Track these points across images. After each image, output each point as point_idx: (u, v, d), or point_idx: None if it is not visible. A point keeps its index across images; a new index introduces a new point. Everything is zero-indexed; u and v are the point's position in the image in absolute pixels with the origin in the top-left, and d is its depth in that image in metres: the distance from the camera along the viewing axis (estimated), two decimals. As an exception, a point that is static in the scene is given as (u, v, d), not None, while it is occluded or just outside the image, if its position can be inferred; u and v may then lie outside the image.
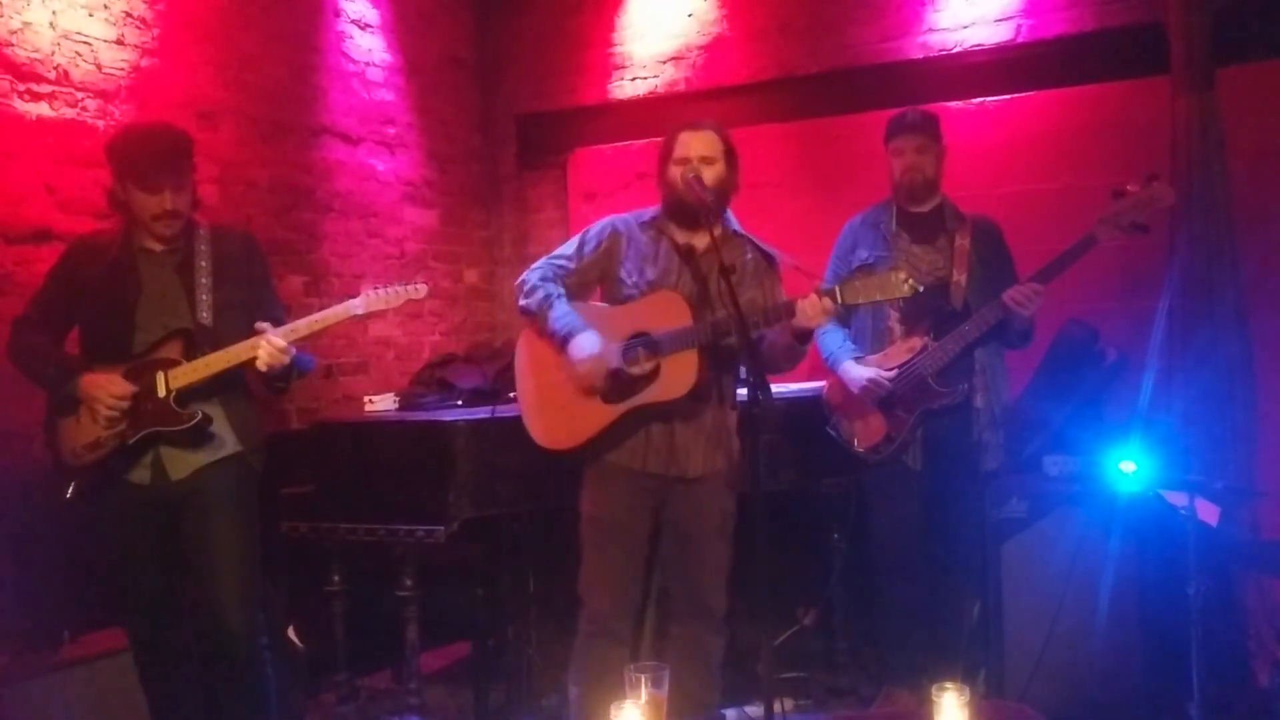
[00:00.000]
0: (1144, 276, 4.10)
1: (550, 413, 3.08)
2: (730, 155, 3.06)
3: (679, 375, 2.94)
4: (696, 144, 3.02)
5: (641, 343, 2.97)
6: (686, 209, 3.02)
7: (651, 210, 3.16)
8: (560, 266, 3.14)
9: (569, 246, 3.19)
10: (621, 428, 3.01)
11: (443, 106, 5.50)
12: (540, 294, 3.07)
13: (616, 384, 2.99)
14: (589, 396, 3.02)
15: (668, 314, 2.98)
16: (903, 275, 2.81)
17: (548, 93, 5.58)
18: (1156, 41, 3.94)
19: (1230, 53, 3.91)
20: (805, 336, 2.94)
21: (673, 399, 2.95)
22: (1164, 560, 3.17)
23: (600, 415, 3.00)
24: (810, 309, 2.82)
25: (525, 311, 3.13)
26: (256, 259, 3.15)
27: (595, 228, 3.18)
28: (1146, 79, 4.20)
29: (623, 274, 3.10)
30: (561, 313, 3.03)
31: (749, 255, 3.12)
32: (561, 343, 3.00)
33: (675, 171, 3.02)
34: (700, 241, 3.06)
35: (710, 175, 2.99)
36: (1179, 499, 3.03)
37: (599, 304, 3.16)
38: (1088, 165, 4.43)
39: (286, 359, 2.90)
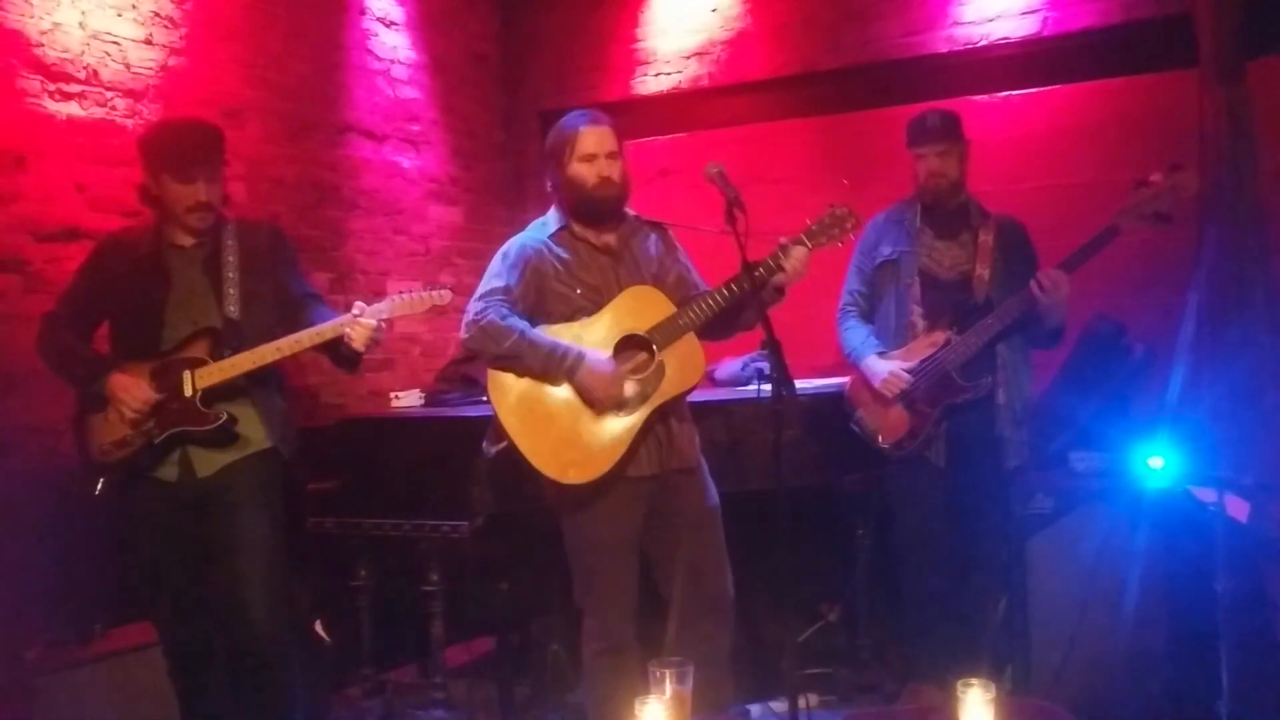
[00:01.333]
0: (1172, 271, 4.06)
1: (566, 449, 2.86)
2: (623, 152, 2.99)
3: (687, 362, 2.90)
4: (601, 140, 2.93)
5: (634, 344, 2.90)
6: (599, 206, 2.94)
7: (553, 221, 3.02)
8: (504, 299, 2.91)
9: (495, 280, 2.94)
10: (640, 434, 2.92)
11: (466, 103, 5.52)
12: (514, 333, 2.84)
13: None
14: (599, 416, 2.87)
15: (646, 308, 2.91)
16: (845, 209, 2.93)
17: (571, 89, 5.58)
18: (1184, 33, 3.90)
19: (1260, 44, 3.86)
20: (781, 293, 2.93)
21: (692, 386, 2.93)
22: (1192, 557, 3.14)
23: (623, 430, 2.87)
24: (797, 263, 2.85)
25: (499, 359, 2.87)
26: (283, 250, 3.17)
27: (511, 255, 2.97)
28: (1174, 72, 4.16)
29: (561, 288, 2.94)
30: (550, 342, 2.85)
31: (652, 235, 3.08)
32: (561, 374, 2.84)
33: (582, 169, 2.91)
34: (611, 237, 3.00)
35: (618, 170, 2.95)
36: (1208, 495, 3.01)
37: (565, 325, 2.95)
38: (1114, 160, 4.38)
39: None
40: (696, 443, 3.08)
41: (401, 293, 3.06)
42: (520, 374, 2.88)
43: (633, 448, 2.89)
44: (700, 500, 3.03)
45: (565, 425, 2.87)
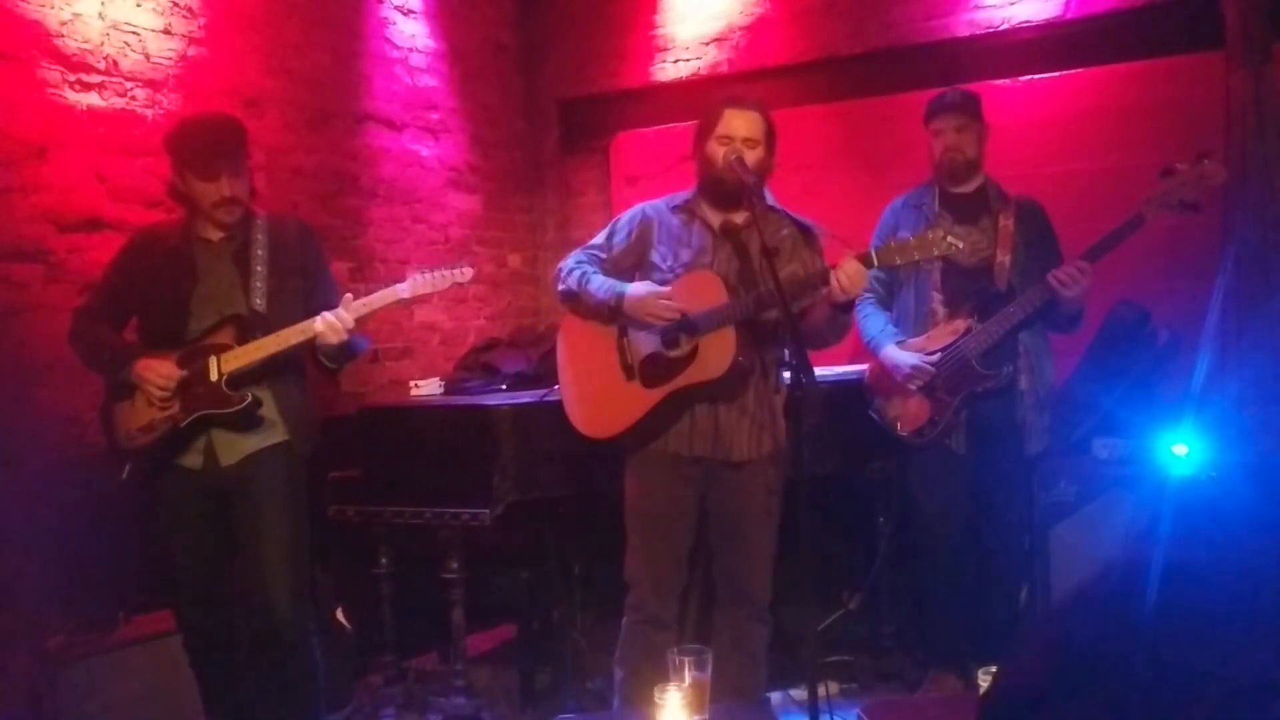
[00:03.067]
0: (1197, 257, 4.02)
1: (591, 402, 3.07)
2: (771, 137, 3.00)
3: (716, 354, 2.90)
4: (741, 124, 2.95)
5: (678, 324, 2.93)
6: (725, 189, 2.97)
7: (684, 194, 3.11)
8: (594, 255, 3.14)
9: (600, 236, 3.19)
10: (665, 413, 2.98)
11: (485, 92, 5.51)
12: (578, 273, 3.07)
13: (654, 367, 2.97)
14: (628, 383, 3.00)
15: (703, 293, 2.93)
16: (941, 232, 2.78)
17: (590, 76, 5.57)
18: (1210, 15, 3.86)
19: (1289, 25, 3.82)
20: (846, 307, 2.87)
21: (712, 379, 2.92)
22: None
23: (641, 401, 2.97)
24: (844, 278, 2.74)
25: (566, 295, 3.12)
26: (310, 246, 3.19)
27: (625, 215, 3.16)
28: (1200, 54, 4.11)
29: (656, 258, 3.05)
30: (602, 281, 3.02)
31: (785, 230, 3.06)
32: (613, 305, 2.97)
33: (716, 149, 2.95)
34: (738, 218, 3.02)
35: (752, 158, 2.93)
36: (1232, 482, 2.98)
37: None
38: (1138, 144, 4.33)
39: (345, 334, 2.92)
40: (761, 439, 3.01)
41: (423, 271, 3.07)
42: (585, 314, 3.10)
43: (648, 420, 2.97)
44: (745, 499, 3.03)
45: (598, 383, 3.06)
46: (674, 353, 2.94)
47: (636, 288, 2.96)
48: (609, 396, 3.03)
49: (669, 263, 3.03)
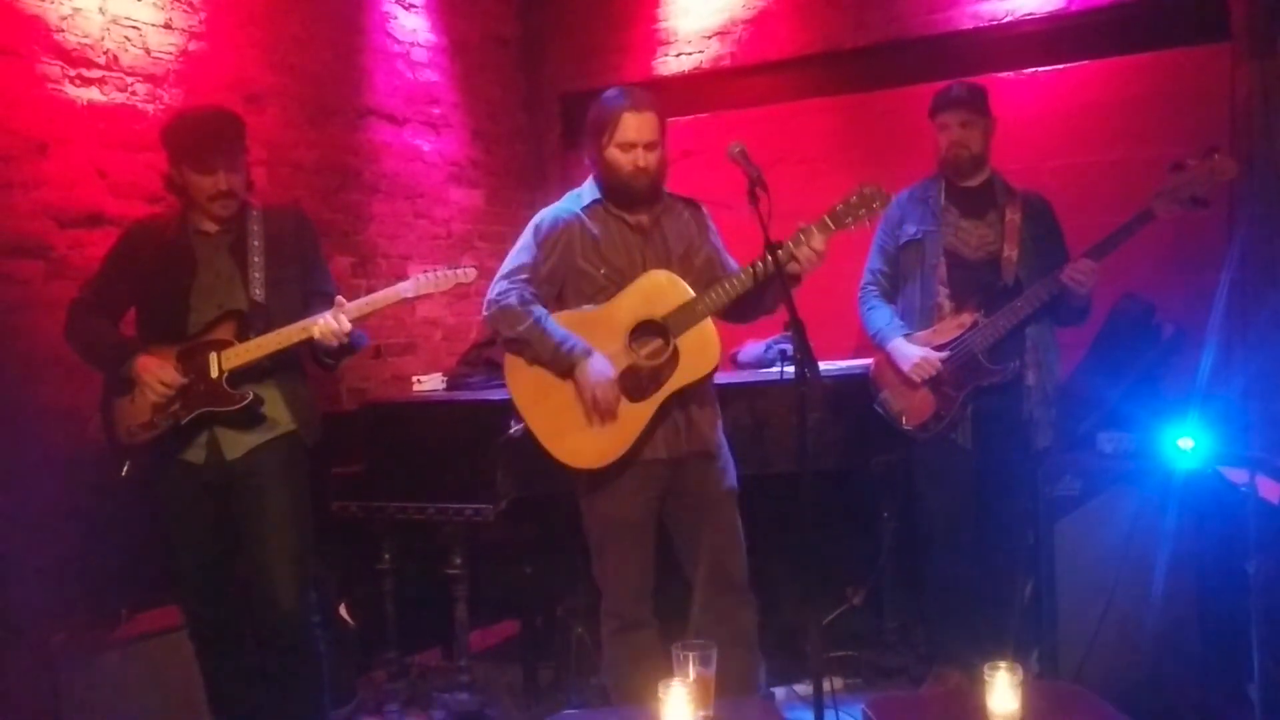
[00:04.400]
0: (1203, 250, 4.01)
1: (577, 433, 2.89)
2: (663, 135, 2.95)
3: (701, 350, 2.87)
4: (641, 128, 2.88)
5: (649, 330, 2.88)
6: (632, 195, 2.93)
7: (588, 194, 3.01)
8: (526, 280, 2.95)
9: (522, 255, 2.98)
10: (654, 421, 2.92)
11: (487, 86, 5.50)
12: (529, 318, 2.88)
13: (637, 380, 2.89)
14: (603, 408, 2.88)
15: (664, 294, 2.89)
16: (875, 187, 2.82)
17: (592, 70, 5.55)
18: (1216, 7, 3.84)
19: (1294, 17, 3.80)
20: (800, 278, 2.86)
21: (704, 374, 2.90)
22: (1223, 538, 3.10)
23: (635, 416, 2.88)
24: (811, 252, 2.78)
25: (513, 342, 2.92)
26: (307, 235, 3.19)
27: (543, 227, 2.99)
28: (1206, 46, 4.10)
29: (585, 265, 2.95)
30: (560, 335, 2.87)
31: (685, 214, 3.06)
32: (567, 368, 2.86)
33: (619, 156, 2.90)
34: (644, 216, 2.99)
35: (655, 159, 2.90)
36: (1239, 476, 2.97)
37: (586, 308, 2.96)
38: (1144, 137, 4.32)
39: (345, 337, 2.92)
40: (718, 426, 3.07)
41: (426, 271, 3.07)
42: (530, 361, 2.92)
43: (644, 436, 2.90)
44: (717, 483, 3.03)
45: (577, 411, 2.89)
46: (653, 361, 2.88)
47: (594, 366, 2.84)
48: (593, 422, 2.88)
49: (602, 270, 2.95)
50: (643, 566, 3.04)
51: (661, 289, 2.90)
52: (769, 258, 2.74)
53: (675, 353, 2.88)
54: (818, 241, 2.80)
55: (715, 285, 2.89)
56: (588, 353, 2.86)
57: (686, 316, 2.87)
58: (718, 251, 3.09)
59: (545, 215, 3.03)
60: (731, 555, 3.04)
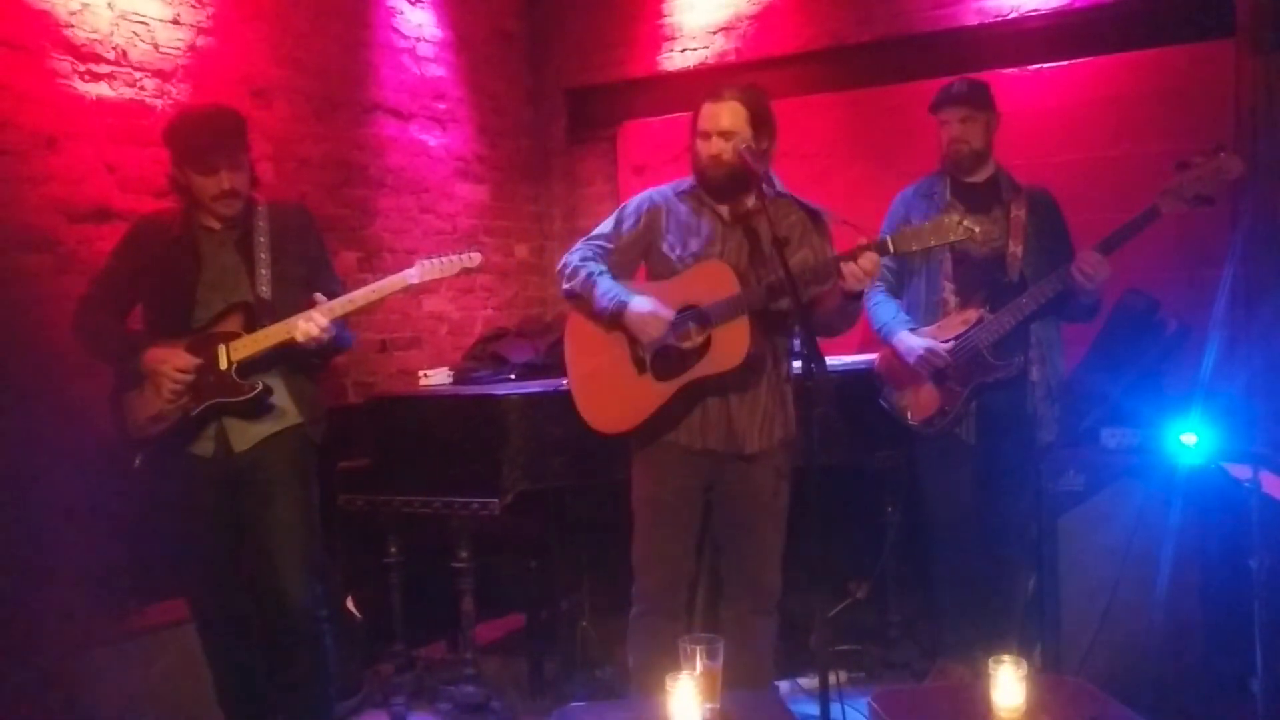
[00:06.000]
0: (1206, 245, 4.01)
1: (602, 396, 3.02)
2: (760, 120, 2.92)
3: (730, 346, 2.87)
4: (716, 116, 2.90)
5: (690, 316, 2.91)
6: (714, 183, 2.95)
7: (688, 180, 3.06)
8: (600, 246, 3.06)
9: (607, 225, 3.10)
10: (676, 406, 2.95)
11: (492, 81, 5.51)
12: (584, 273, 2.99)
13: (667, 361, 2.92)
14: (640, 377, 2.95)
15: (714, 284, 2.90)
16: (956, 217, 2.74)
17: (597, 66, 5.56)
18: (1220, 3, 3.84)
19: (1299, 13, 3.80)
20: (857, 295, 2.85)
21: (726, 370, 2.89)
22: (1226, 533, 3.11)
23: (653, 395, 2.93)
24: (859, 267, 2.72)
25: (570, 294, 3.06)
26: (313, 233, 3.20)
27: (633, 203, 3.10)
28: (1210, 42, 4.09)
29: (665, 248, 3.01)
30: (607, 286, 2.95)
31: (794, 217, 3.02)
32: (614, 314, 2.91)
33: (698, 144, 2.95)
34: (746, 205, 2.99)
35: (729, 149, 2.88)
36: (1242, 472, 2.98)
37: (643, 283, 3.07)
38: (1148, 133, 4.33)
39: (325, 337, 2.94)
40: (771, 431, 3.00)
41: (431, 257, 3.08)
42: (588, 314, 3.03)
43: (661, 414, 2.94)
44: (757, 491, 3.01)
45: (609, 378, 3.00)
46: (686, 345, 2.90)
47: (639, 304, 2.89)
48: (621, 391, 2.98)
49: (678, 252, 2.99)
50: (676, 555, 3.04)
51: (713, 279, 2.91)
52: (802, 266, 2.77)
53: (708, 342, 2.90)
54: (866, 262, 2.74)
55: (760, 285, 2.87)
56: (629, 298, 2.91)
57: (727, 310, 2.87)
58: (817, 257, 2.97)
59: (643, 194, 3.13)
60: (762, 566, 3.04)
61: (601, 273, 2.99)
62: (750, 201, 2.98)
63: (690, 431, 2.98)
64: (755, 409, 2.98)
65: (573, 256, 3.06)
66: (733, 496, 3.03)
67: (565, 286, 3.06)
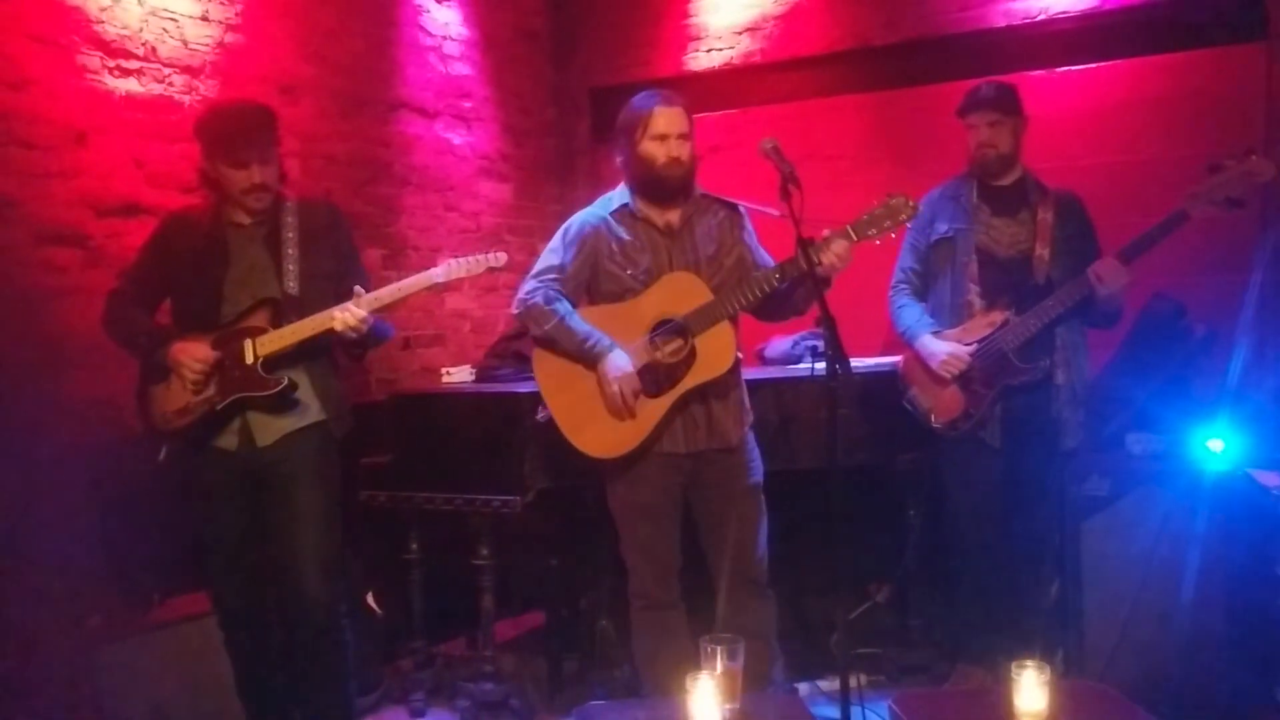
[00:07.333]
0: (1234, 249, 3.97)
1: (596, 424, 3.01)
2: (693, 133, 3.05)
3: (717, 351, 2.95)
4: (678, 120, 2.99)
5: (669, 329, 2.97)
6: (666, 185, 3.01)
7: (617, 198, 3.11)
8: (554, 280, 3.07)
9: (552, 258, 3.11)
10: (668, 416, 3.00)
11: (517, 80, 5.52)
12: (554, 318, 3.01)
13: (654, 376, 2.98)
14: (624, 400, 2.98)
15: (686, 294, 2.97)
16: (903, 198, 2.90)
17: (621, 65, 5.56)
18: (1252, 5, 3.80)
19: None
20: (829, 281, 2.89)
21: (719, 375, 2.96)
22: (1252, 541, 3.08)
23: (650, 411, 2.98)
24: (835, 257, 2.84)
25: (541, 339, 3.07)
26: (342, 230, 3.22)
27: (571, 231, 3.11)
28: (1241, 45, 4.06)
29: (615, 268, 3.04)
30: (584, 331, 2.99)
31: (721, 215, 3.12)
32: (591, 362, 2.99)
33: (652, 148, 2.98)
34: (673, 216, 3.06)
35: (687, 151, 3.00)
36: (1269, 478, 2.95)
37: (610, 305, 3.08)
38: (1178, 136, 4.29)
39: (363, 328, 2.96)
40: (744, 420, 3.12)
41: (457, 257, 3.10)
42: (557, 354, 3.05)
43: (659, 429, 2.99)
44: (738, 478, 3.10)
45: (598, 403, 3.00)
46: (672, 358, 2.96)
47: (615, 361, 2.94)
48: (612, 414, 3.00)
49: (630, 270, 3.04)
50: (665, 549, 3.10)
51: (683, 289, 2.99)
52: (798, 257, 2.80)
53: (693, 352, 2.95)
54: (839, 248, 2.87)
55: (736, 288, 2.96)
56: (610, 348, 2.97)
57: (705, 317, 2.95)
58: (751, 252, 3.14)
59: (573, 220, 3.15)
60: (750, 549, 3.10)
61: (570, 313, 3.03)
62: (677, 211, 3.06)
63: (672, 437, 3.03)
64: (731, 403, 3.07)
65: (532, 297, 3.06)
66: (714, 485, 3.10)
67: (535, 332, 3.07)
